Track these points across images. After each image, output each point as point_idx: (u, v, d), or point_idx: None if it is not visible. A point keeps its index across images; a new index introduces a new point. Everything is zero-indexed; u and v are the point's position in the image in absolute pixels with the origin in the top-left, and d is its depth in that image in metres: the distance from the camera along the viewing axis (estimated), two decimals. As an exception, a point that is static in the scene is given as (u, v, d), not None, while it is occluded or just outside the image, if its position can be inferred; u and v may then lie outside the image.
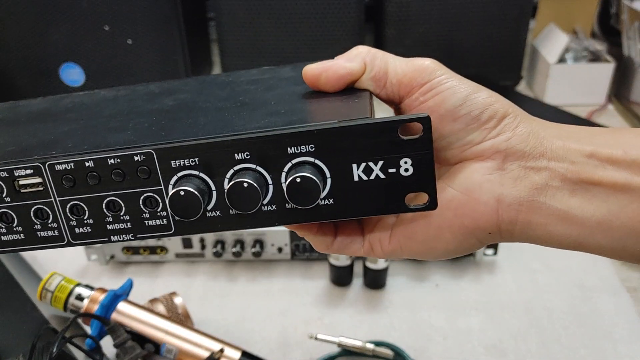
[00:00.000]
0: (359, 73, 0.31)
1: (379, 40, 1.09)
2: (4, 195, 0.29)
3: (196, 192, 0.27)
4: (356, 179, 0.27)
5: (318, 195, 0.27)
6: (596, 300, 0.62)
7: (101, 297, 0.54)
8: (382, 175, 0.27)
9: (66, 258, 0.71)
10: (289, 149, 0.27)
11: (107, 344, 0.51)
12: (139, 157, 0.27)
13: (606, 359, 0.56)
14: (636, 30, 1.04)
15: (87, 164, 0.28)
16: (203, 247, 0.68)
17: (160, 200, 0.28)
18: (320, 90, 0.31)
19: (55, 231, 0.30)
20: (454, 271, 0.67)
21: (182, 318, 0.57)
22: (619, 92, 1.11)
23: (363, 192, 0.28)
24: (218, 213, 0.28)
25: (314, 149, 0.26)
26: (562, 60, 1.08)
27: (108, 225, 0.29)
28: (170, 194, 0.27)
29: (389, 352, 0.54)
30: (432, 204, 0.28)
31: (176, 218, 0.28)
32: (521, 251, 0.70)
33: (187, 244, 0.68)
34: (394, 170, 0.27)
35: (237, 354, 0.51)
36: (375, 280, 0.65)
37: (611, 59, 1.07)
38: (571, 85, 1.07)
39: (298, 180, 0.26)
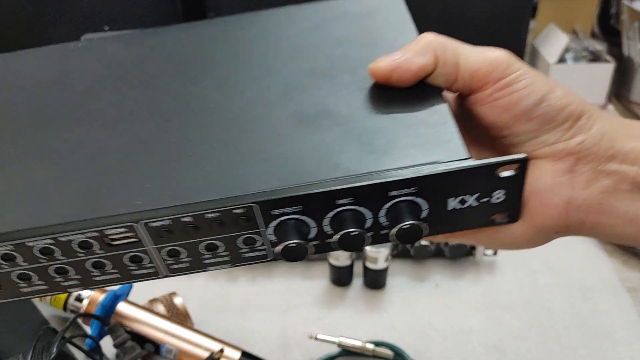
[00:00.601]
0: (431, 69, 0.30)
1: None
2: (94, 248, 0.28)
3: (304, 242, 0.27)
4: (450, 208, 0.28)
5: (421, 235, 0.28)
6: (596, 301, 0.62)
7: (101, 297, 0.54)
8: (475, 204, 0.28)
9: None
10: (391, 192, 0.27)
11: (107, 344, 0.52)
12: (239, 210, 0.27)
13: (606, 359, 0.56)
14: (636, 30, 1.04)
15: (184, 220, 0.27)
16: None
17: (260, 238, 0.28)
18: (390, 86, 0.31)
19: (152, 269, 0.30)
20: (454, 271, 0.67)
21: (182, 318, 0.57)
22: (619, 92, 1.11)
23: (454, 217, 0.29)
24: (317, 242, 0.29)
25: (415, 190, 0.27)
26: (562, 60, 1.08)
27: (205, 260, 0.29)
28: (279, 249, 0.27)
29: (388, 352, 0.55)
30: (513, 218, 0.29)
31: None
32: (521, 251, 0.70)
33: None
34: (486, 199, 0.28)
35: (237, 354, 0.51)
36: (375, 281, 0.65)
37: (611, 59, 1.07)
38: (571, 86, 1.07)
39: (405, 227, 0.27)
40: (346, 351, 0.55)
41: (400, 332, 0.59)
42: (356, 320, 0.61)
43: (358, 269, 0.67)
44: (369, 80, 0.32)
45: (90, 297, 0.54)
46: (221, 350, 0.51)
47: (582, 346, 0.57)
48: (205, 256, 0.29)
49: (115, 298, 0.54)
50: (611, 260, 0.69)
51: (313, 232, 0.28)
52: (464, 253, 0.67)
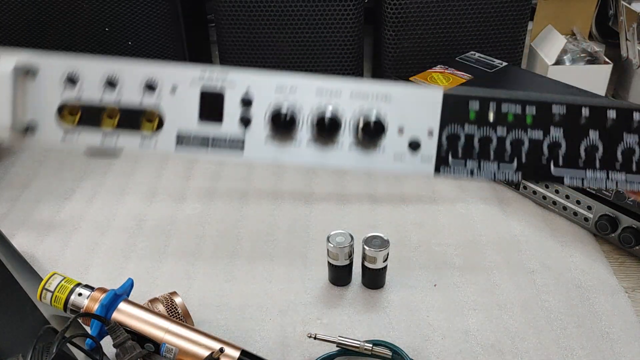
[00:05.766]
0: None
1: (378, 42, 1.10)
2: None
3: None
4: None
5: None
6: (594, 301, 0.63)
7: (101, 296, 0.54)
8: None
9: (66, 258, 0.72)
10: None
11: (108, 344, 0.52)
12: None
13: (604, 359, 0.56)
14: (634, 32, 1.05)
15: None
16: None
17: None
18: None
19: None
20: (452, 271, 0.68)
21: (182, 318, 0.57)
22: (616, 93, 1.11)
23: None
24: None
25: None
26: (560, 61, 1.08)
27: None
28: None
29: (387, 352, 0.55)
30: None
31: None
32: (519, 251, 0.70)
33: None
34: None
35: (237, 353, 0.51)
36: (374, 280, 0.65)
37: (609, 60, 1.08)
38: (569, 87, 1.08)
39: None
40: (345, 351, 0.56)
41: (398, 331, 0.60)
42: (355, 319, 0.61)
43: (357, 268, 0.67)
44: None
45: (91, 297, 0.54)
46: (221, 350, 0.51)
47: (579, 346, 0.57)
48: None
49: (116, 298, 0.54)
50: (609, 260, 0.69)
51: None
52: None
